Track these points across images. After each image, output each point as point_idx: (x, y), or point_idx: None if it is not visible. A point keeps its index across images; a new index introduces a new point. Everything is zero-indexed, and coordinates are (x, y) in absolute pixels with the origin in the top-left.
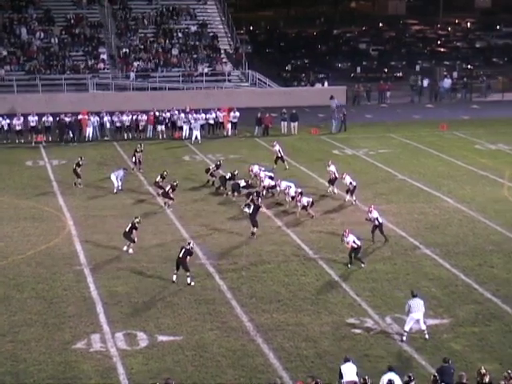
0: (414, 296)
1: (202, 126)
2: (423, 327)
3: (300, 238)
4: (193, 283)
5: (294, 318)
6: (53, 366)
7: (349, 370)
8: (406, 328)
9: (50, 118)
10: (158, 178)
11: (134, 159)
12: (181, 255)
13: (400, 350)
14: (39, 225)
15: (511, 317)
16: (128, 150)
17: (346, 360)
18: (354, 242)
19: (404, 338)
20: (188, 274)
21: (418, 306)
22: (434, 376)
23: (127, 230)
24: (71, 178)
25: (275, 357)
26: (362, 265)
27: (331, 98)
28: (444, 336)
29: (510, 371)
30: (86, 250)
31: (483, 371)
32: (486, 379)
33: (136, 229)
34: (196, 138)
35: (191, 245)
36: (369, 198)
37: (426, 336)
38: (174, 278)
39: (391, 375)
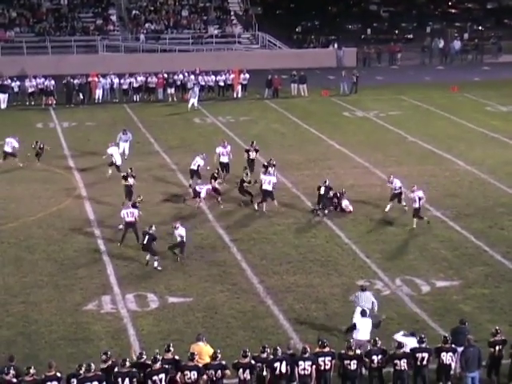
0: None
1: (211, 88)
2: None
3: (310, 200)
4: (160, 268)
5: (304, 280)
6: (64, 327)
7: (363, 326)
8: None
9: (53, 82)
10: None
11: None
12: (145, 241)
13: (410, 312)
14: (50, 187)
15: None
16: (138, 111)
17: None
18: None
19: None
20: (156, 257)
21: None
22: (445, 337)
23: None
24: (81, 140)
25: (285, 318)
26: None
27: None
28: (454, 298)
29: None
30: (96, 212)
31: (494, 331)
32: (497, 338)
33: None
34: (193, 104)
35: (153, 228)
36: (379, 161)
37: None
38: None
39: (409, 340)
